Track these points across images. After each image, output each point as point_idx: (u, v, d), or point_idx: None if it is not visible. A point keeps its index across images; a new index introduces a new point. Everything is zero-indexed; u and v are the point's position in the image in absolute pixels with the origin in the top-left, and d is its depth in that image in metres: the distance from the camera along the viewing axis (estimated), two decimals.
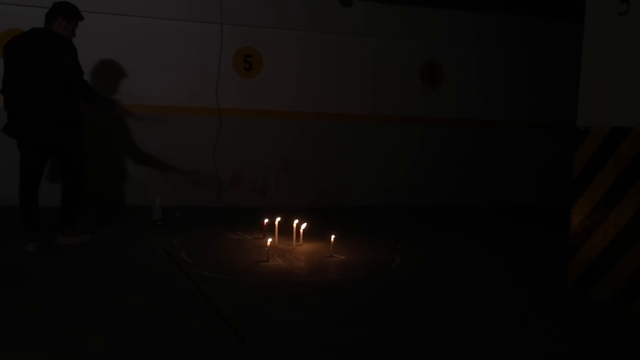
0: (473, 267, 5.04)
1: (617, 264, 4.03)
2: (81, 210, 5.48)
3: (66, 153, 4.90)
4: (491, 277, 4.76)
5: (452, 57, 8.36)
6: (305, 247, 5.34)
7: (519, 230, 6.99)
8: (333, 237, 5.15)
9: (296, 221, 5.45)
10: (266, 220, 5.47)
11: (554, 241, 5.73)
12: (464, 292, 4.30)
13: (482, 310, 3.89)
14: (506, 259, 5.35)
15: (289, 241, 5.39)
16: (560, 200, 6.88)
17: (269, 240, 5.02)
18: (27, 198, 4.82)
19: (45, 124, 4.69)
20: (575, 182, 4.33)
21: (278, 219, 5.49)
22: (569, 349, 3.29)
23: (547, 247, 5.86)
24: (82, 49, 6.85)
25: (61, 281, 4.14)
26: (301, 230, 5.43)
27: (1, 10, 6.65)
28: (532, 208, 8.41)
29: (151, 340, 3.15)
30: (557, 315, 3.88)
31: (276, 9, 7.56)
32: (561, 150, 8.56)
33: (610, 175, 4.10)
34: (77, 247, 5.04)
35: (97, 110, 5.19)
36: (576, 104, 4.38)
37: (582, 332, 3.57)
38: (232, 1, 7.33)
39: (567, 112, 8.21)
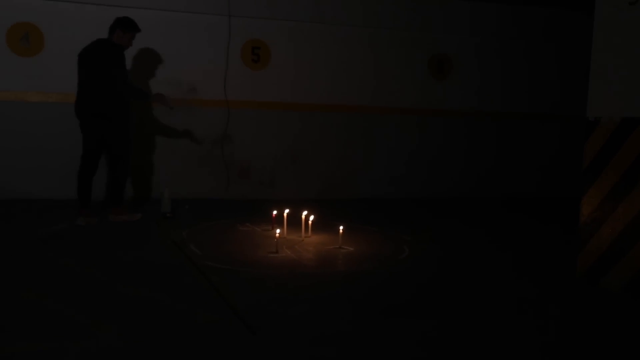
0: (481, 259, 5.04)
1: (627, 255, 4.02)
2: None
3: (111, 141, 5.70)
4: (499, 268, 4.76)
5: (461, 49, 8.33)
6: (313, 239, 5.35)
7: (525, 221, 6.97)
8: (341, 228, 5.16)
9: (304, 213, 5.46)
10: (275, 212, 5.48)
11: (562, 232, 5.72)
12: (472, 284, 4.29)
13: (491, 302, 3.89)
14: (514, 251, 5.35)
15: (298, 233, 5.41)
16: (570, 192, 6.90)
17: (278, 231, 5.03)
18: (84, 179, 5.77)
19: (96, 116, 5.60)
20: (585, 173, 4.31)
21: (287, 210, 5.51)
22: (573, 338, 3.29)
23: (555, 238, 5.85)
24: (88, 40, 6.97)
25: (71, 273, 4.16)
26: (310, 222, 5.44)
27: (11, 3, 6.67)
28: (543, 199, 8.38)
29: (161, 332, 3.17)
30: (565, 305, 3.87)
31: (284, 1, 7.54)
32: (570, 141, 8.55)
33: (620, 166, 4.08)
34: (87, 239, 5.09)
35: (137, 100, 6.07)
36: (585, 95, 4.36)
37: (588, 322, 3.57)
38: None
39: (577, 103, 8.28)
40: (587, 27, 4.49)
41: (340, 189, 7.94)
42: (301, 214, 5.46)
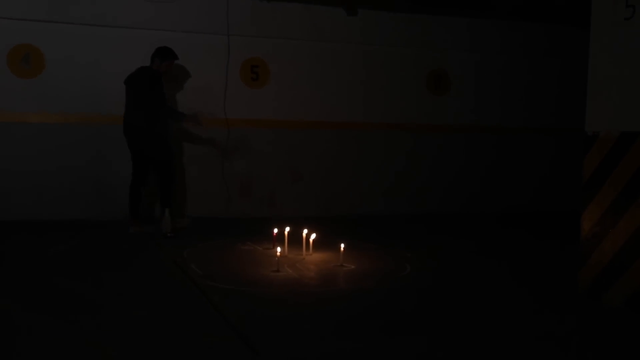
0: (482, 275, 5.03)
1: (628, 269, 4.02)
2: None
3: (155, 156, 6.35)
4: (502, 285, 4.75)
5: (457, 64, 8.37)
6: (315, 257, 5.35)
7: (523, 236, 6.95)
8: (342, 246, 5.16)
9: (305, 231, 5.45)
10: (275, 230, 5.48)
11: (562, 247, 5.71)
12: (473, 301, 4.28)
13: (497, 319, 3.87)
14: (515, 267, 5.34)
15: (299, 251, 5.40)
16: (569, 205, 6.91)
17: (279, 250, 5.02)
18: (133, 192, 6.43)
19: (140, 134, 6.29)
20: (585, 188, 4.31)
21: (287, 228, 5.50)
22: (577, 355, 3.28)
23: (555, 253, 5.84)
24: (89, 60, 7.01)
25: (69, 292, 4.15)
26: (311, 240, 5.43)
27: (12, 25, 6.72)
28: (538, 213, 8.37)
29: (162, 351, 3.16)
30: (568, 322, 3.86)
31: (282, 19, 7.60)
32: (565, 154, 8.58)
33: (619, 180, 4.09)
34: (87, 258, 5.09)
35: (174, 121, 6.70)
36: (582, 108, 4.38)
37: (590, 339, 3.55)
38: (238, 12, 7.37)
39: (572, 117, 8.31)
40: (583, 41, 4.52)
41: (341, 206, 7.94)
42: (302, 232, 5.45)
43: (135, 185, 6.44)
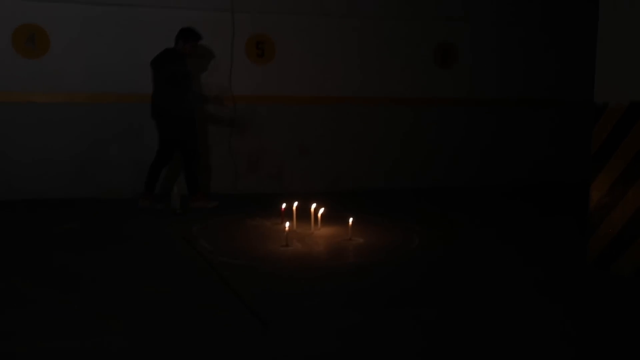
0: (490, 247, 5.04)
1: (637, 240, 4.01)
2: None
3: (180, 137, 6.37)
4: (510, 256, 4.76)
5: (465, 36, 8.28)
6: (323, 231, 5.36)
7: (529, 208, 6.93)
8: (351, 220, 5.16)
9: (314, 205, 5.46)
10: (284, 206, 5.49)
11: (568, 219, 5.71)
12: (483, 272, 4.30)
13: (504, 290, 3.89)
14: (521, 238, 5.34)
15: (308, 226, 5.42)
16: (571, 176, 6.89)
17: (287, 225, 5.04)
18: (154, 169, 6.49)
19: (165, 116, 6.34)
20: (594, 159, 4.29)
21: (295, 203, 5.52)
22: (589, 323, 3.30)
23: (561, 225, 5.83)
24: (94, 40, 6.98)
25: (82, 271, 4.19)
26: (319, 215, 5.45)
27: (17, 5, 6.69)
28: (546, 184, 8.35)
29: (173, 327, 3.20)
30: (576, 291, 3.87)
31: None
32: (568, 125, 8.53)
33: (629, 150, 4.07)
34: (96, 235, 5.14)
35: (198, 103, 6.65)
36: (584, 80, 4.33)
37: (601, 307, 3.57)
38: None
39: (574, 88, 8.26)
40: (590, 12, 4.47)
41: (349, 181, 7.93)
42: (310, 207, 5.47)
43: (157, 163, 6.50)
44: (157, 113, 6.41)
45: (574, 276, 4.20)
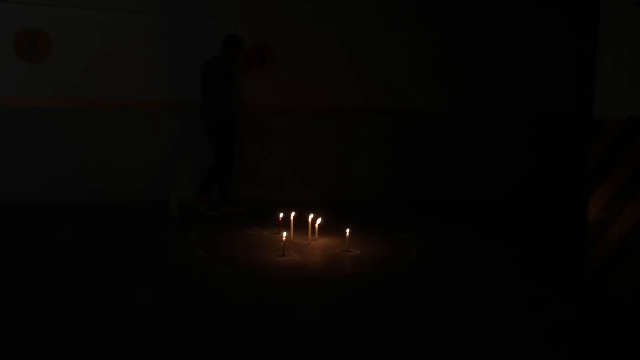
0: (487, 259, 5.03)
1: (635, 256, 4.00)
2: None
3: (212, 144, 6.69)
4: (508, 271, 4.75)
5: (464, 50, 8.32)
6: (320, 242, 5.36)
7: (528, 221, 6.93)
8: (348, 231, 5.16)
9: (311, 216, 5.46)
10: (281, 215, 5.48)
11: (569, 234, 5.69)
12: (478, 286, 4.28)
13: (502, 305, 3.88)
14: (521, 253, 5.33)
15: (305, 236, 5.41)
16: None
17: (285, 234, 5.03)
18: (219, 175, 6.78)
19: (205, 122, 6.65)
20: (592, 174, 4.28)
21: (293, 213, 5.51)
22: (581, 340, 3.28)
23: (560, 239, 5.82)
24: (94, 47, 6.99)
25: (76, 276, 4.18)
26: (316, 225, 5.44)
27: (19, 9, 6.72)
28: (546, 197, 8.34)
29: (168, 334, 3.18)
30: (573, 309, 3.86)
31: (288, 3, 7.56)
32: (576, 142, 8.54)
33: (627, 166, 4.06)
34: (94, 241, 5.13)
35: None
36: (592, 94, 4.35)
37: (596, 326, 3.55)
38: None
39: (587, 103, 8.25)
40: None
41: (347, 191, 7.94)
42: (307, 217, 5.46)
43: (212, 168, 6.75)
44: (201, 118, 6.67)
45: (570, 293, 4.19)
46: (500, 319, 3.60)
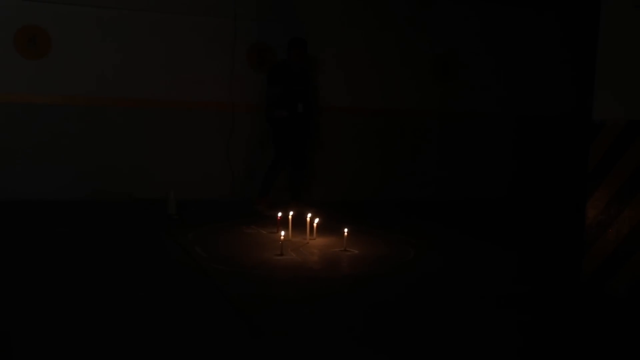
0: (484, 259, 5.04)
1: (632, 258, 4.01)
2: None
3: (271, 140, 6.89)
4: (505, 272, 4.76)
5: (462, 50, 8.33)
6: (318, 241, 5.36)
7: (525, 223, 6.93)
8: (346, 231, 5.16)
9: (309, 215, 5.46)
10: (280, 214, 5.48)
11: (566, 235, 5.70)
12: (475, 285, 4.29)
13: (500, 305, 3.89)
14: (519, 254, 5.34)
15: (303, 235, 5.41)
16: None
17: (283, 234, 5.03)
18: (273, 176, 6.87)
19: (267, 120, 6.87)
20: (591, 176, 4.30)
21: (291, 213, 5.51)
22: (576, 340, 3.29)
23: (558, 241, 5.82)
24: (94, 45, 6.98)
25: (73, 275, 4.17)
26: (314, 225, 5.44)
27: (19, 6, 6.71)
28: (544, 198, 8.36)
29: (165, 333, 3.18)
30: (569, 309, 3.87)
31: (288, 3, 7.56)
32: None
33: (625, 169, 4.07)
34: (91, 239, 5.13)
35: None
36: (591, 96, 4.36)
37: (592, 326, 3.56)
38: None
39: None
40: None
41: (345, 191, 7.93)
42: (306, 217, 5.46)
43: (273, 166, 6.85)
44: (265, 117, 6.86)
45: (567, 293, 4.20)
46: (500, 319, 3.60)
